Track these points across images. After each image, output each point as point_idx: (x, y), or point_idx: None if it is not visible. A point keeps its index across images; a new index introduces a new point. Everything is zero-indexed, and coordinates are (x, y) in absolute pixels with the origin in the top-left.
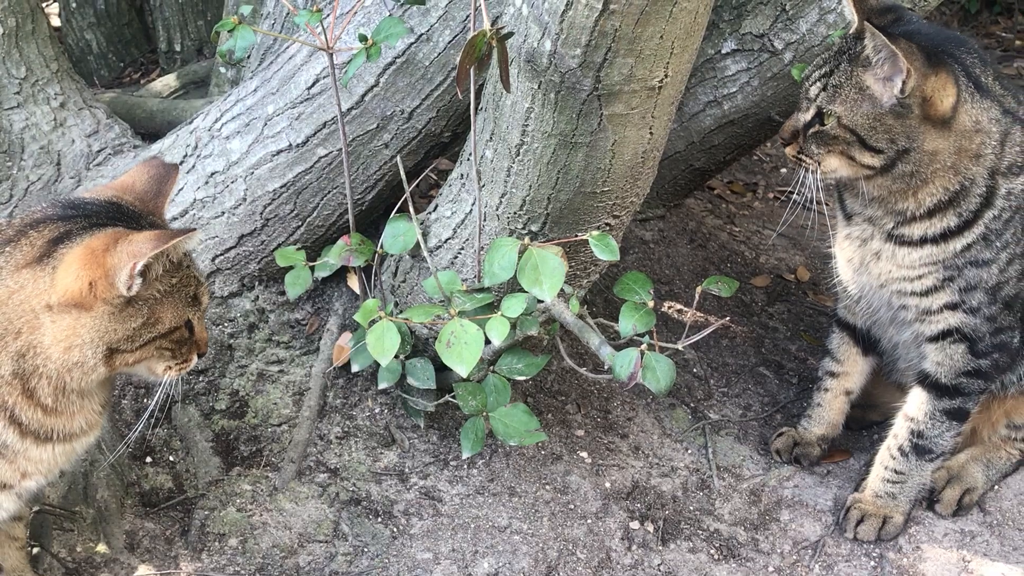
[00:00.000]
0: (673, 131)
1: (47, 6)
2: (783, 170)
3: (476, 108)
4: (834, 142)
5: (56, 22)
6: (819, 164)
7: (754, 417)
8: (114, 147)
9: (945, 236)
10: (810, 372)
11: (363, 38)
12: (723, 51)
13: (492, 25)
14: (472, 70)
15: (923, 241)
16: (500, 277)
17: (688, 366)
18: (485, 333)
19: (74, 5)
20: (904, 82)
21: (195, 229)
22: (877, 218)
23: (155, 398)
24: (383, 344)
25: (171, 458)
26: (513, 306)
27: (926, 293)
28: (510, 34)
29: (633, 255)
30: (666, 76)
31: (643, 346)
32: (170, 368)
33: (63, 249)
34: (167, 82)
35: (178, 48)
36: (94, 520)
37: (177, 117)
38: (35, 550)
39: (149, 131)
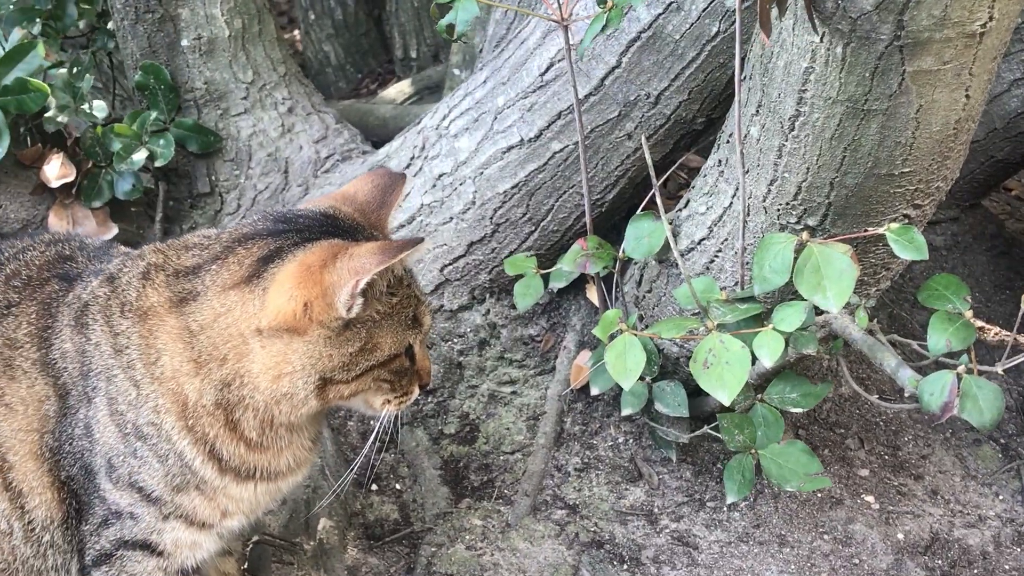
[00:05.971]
0: None
1: (288, 30)
2: None
3: (740, 77)
4: None
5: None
6: None
7: None
8: (343, 153)
9: None
10: None
11: (602, 1)
12: None
13: None
14: (772, 10)
15: None
16: (772, 282)
17: None
18: (752, 351)
19: (312, 17)
20: None
21: (422, 239)
22: None
23: (378, 425)
24: (625, 363)
25: (398, 486)
26: (789, 317)
27: None
28: None
29: (921, 263)
30: (991, 19)
31: (960, 368)
32: (389, 402)
33: (273, 268)
34: (401, 88)
35: (414, 55)
36: (315, 553)
37: (409, 123)
38: None
39: (382, 138)
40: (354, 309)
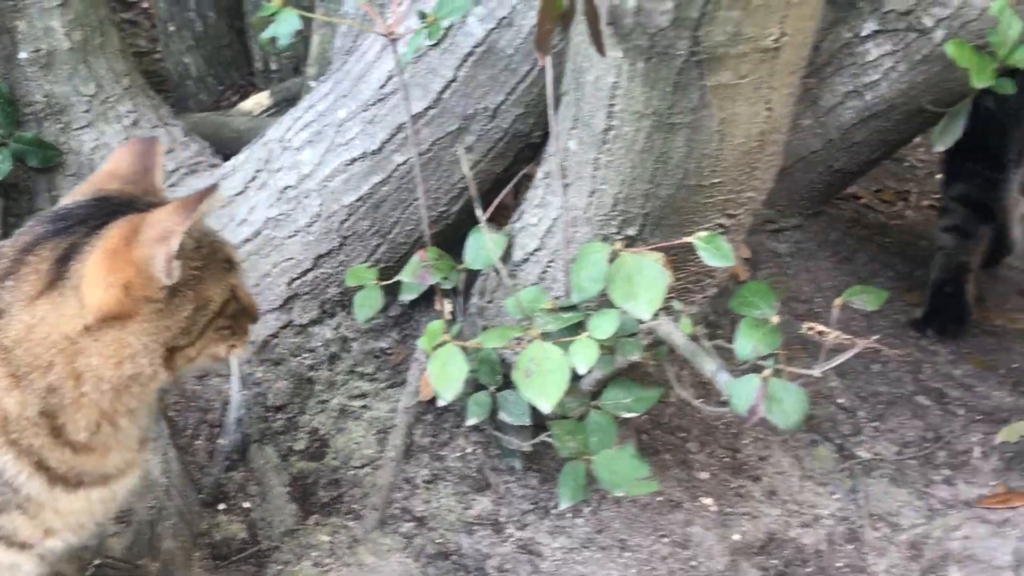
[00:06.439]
0: (808, 128)
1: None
2: (938, 176)
3: (557, 93)
4: None
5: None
6: None
7: (912, 455)
8: (189, 167)
9: None
10: (978, 401)
11: (422, 15)
12: (862, 34)
13: None
14: (556, 32)
15: None
16: (589, 291)
17: (831, 396)
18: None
19: (172, 28)
20: None
21: (216, 186)
22: None
23: (227, 437)
24: (448, 373)
25: (246, 505)
26: (602, 325)
27: None
28: None
29: (766, 270)
30: (783, 34)
31: (766, 372)
32: (234, 346)
33: (76, 265)
34: (259, 100)
35: (274, 67)
36: (158, 575)
37: None
38: None
39: (237, 151)
40: (174, 273)
